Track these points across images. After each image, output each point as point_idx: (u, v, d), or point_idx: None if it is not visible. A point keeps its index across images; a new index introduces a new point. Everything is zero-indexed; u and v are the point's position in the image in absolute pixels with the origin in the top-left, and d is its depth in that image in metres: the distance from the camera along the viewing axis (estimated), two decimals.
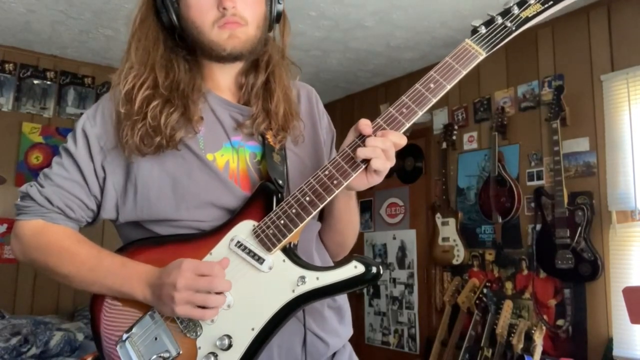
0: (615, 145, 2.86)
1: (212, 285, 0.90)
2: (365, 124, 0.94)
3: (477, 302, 3.35)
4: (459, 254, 3.58)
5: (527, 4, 0.98)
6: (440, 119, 3.90)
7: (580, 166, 3.01)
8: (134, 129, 0.97)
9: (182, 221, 1.00)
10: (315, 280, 0.92)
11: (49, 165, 1.07)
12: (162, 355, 0.94)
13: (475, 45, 0.97)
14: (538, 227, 3.11)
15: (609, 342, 2.76)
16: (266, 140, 1.05)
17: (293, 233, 0.94)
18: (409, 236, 4.09)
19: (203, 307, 0.90)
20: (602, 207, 2.88)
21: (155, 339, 0.95)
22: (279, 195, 0.98)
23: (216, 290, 0.90)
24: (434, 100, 0.95)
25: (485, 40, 0.97)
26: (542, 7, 0.97)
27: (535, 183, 3.21)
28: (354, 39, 3.59)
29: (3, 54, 3.74)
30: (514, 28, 0.97)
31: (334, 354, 1.10)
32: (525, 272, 3.23)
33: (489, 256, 3.46)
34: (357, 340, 4.22)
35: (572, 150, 3.04)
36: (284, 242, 0.94)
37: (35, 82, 3.85)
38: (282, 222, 0.94)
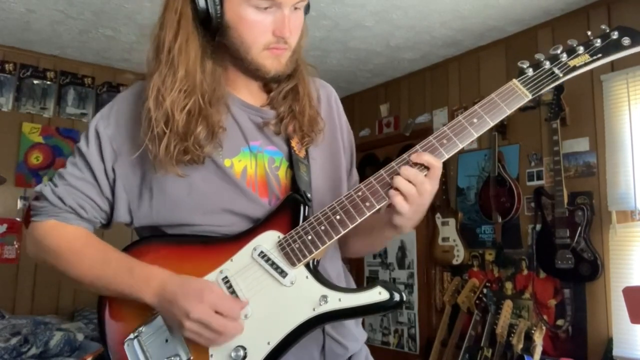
0: (615, 145, 2.86)
1: (225, 330, 0.88)
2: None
3: (477, 302, 3.35)
4: (459, 254, 3.58)
5: (575, 54, 0.99)
6: (440, 119, 3.90)
7: (580, 166, 3.01)
8: (169, 147, 0.93)
9: (199, 226, 0.98)
10: (338, 301, 0.91)
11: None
12: (171, 358, 0.92)
13: (522, 86, 0.98)
14: (538, 227, 3.11)
15: (609, 342, 2.76)
16: (292, 148, 1.03)
17: (319, 250, 0.93)
18: (409, 236, 4.08)
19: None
20: (602, 207, 2.88)
21: (166, 341, 0.94)
22: (307, 208, 0.96)
23: (228, 335, 0.89)
24: (476, 136, 0.96)
25: (532, 84, 0.98)
26: (590, 59, 0.99)
27: (535, 183, 3.21)
28: (354, 39, 3.58)
29: (3, 54, 3.73)
30: (561, 75, 0.98)
31: (350, 357, 1.10)
32: (525, 272, 3.23)
33: (489, 256, 3.46)
34: None
35: (572, 150, 3.04)
36: (309, 258, 0.93)
37: (35, 82, 3.84)
38: (309, 237, 0.93)
